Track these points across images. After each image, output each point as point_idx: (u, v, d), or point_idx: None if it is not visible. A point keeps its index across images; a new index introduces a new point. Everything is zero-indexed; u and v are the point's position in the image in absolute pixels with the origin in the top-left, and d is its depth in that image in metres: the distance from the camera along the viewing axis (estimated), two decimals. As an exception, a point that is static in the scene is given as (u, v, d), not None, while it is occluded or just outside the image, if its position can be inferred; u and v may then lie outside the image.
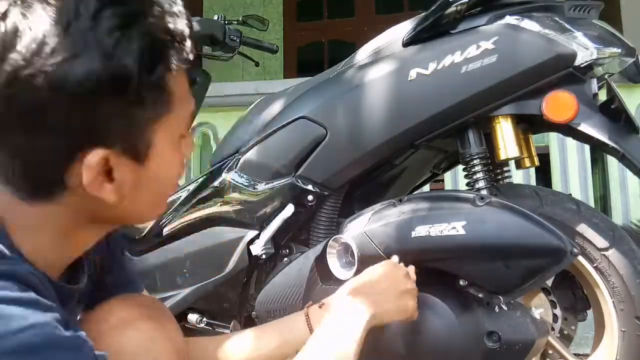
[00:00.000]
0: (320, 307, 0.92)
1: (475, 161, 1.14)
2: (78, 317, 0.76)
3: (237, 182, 1.30)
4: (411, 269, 0.97)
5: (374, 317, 0.85)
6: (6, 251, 0.57)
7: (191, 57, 0.63)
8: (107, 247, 0.81)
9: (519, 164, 1.25)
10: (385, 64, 1.17)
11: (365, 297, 0.85)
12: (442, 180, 3.04)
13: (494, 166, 1.20)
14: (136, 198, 0.64)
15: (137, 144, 0.60)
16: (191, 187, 1.40)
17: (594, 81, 1.08)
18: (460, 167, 1.22)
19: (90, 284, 0.74)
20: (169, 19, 0.61)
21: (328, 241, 1.11)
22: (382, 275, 0.92)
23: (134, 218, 0.69)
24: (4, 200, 0.60)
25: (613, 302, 1.07)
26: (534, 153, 1.23)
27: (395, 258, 1.00)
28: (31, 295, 0.55)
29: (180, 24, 0.62)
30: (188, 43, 0.63)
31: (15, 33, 0.54)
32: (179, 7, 0.63)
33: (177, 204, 1.39)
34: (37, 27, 0.54)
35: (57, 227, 0.62)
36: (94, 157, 0.57)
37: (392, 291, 0.90)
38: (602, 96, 1.09)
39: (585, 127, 1.05)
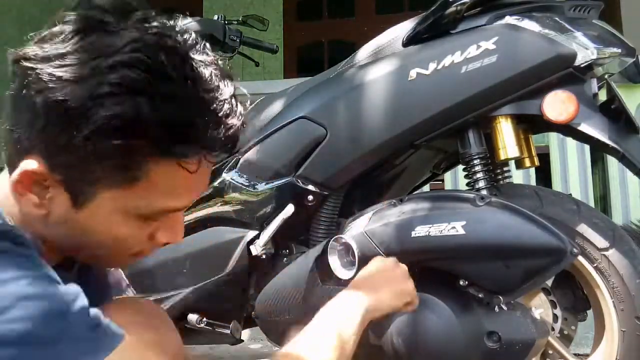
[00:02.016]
0: None
1: (475, 161, 1.14)
2: None
3: (237, 182, 1.30)
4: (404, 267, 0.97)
5: (373, 306, 0.84)
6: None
7: (200, 165, 0.61)
8: None
9: (519, 164, 1.25)
10: (385, 64, 1.17)
11: (365, 289, 0.86)
12: (442, 180, 3.04)
13: (494, 166, 1.20)
14: (64, 234, 0.63)
15: (76, 189, 0.60)
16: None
17: (594, 81, 1.08)
18: (460, 167, 1.22)
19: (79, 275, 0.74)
20: (196, 121, 0.59)
21: (328, 241, 1.11)
22: (381, 270, 0.92)
23: (67, 251, 0.68)
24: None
25: (613, 302, 1.07)
26: (534, 153, 1.23)
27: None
28: (29, 251, 0.56)
29: (203, 133, 0.59)
30: (202, 153, 0.60)
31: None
32: (231, 121, 0.62)
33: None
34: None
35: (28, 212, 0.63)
36: (30, 164, 0.59)
37: (391, 286, 0.90)
38: (602, 96, 1.09)
39: (585, 127, 1.05)
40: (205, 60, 0.62)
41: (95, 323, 0.55)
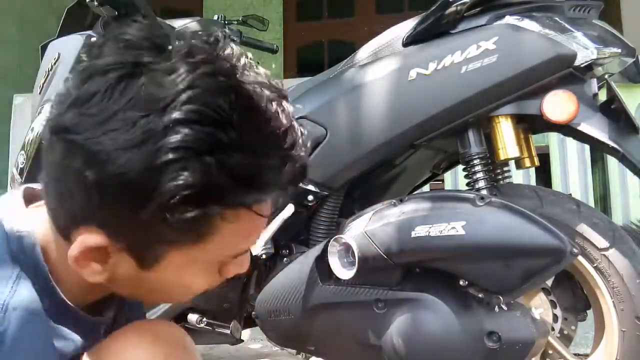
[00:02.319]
0: None
1: (475, 161, 1.14)
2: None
3: (237, 182, 1.29)
4: None
5: None
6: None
7: (267, 208, 0.57)
8: None
9: (519, 164, 1.25)
10: (385, 64, 1.17)
11: None
12: (442, 180, 3.04)
13: (494, 166, 1.20)
14: (131, 291, 0.61)
15: (144, 252, 0.55)
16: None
17: (594, 81, 1.08)
18: (460, 167, 1.22)
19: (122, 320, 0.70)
20: (265, 163, 0.53)
21: (328, 241, 1.11)
22: None
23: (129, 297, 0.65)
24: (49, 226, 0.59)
25: (613, 302, 1.07)
26: (534, 153, 1.23)
27: None
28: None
29: (273, 175, 0.54)
30: (273, 193, 0.56)
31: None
32: (297, 152, 0.55)
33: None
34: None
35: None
36: (90, 239, 0.53)
37: None
38: (602, 96, 1.09)
39: (585, 127, 1.05)
40: (259, 82, 0.54)
41: None
